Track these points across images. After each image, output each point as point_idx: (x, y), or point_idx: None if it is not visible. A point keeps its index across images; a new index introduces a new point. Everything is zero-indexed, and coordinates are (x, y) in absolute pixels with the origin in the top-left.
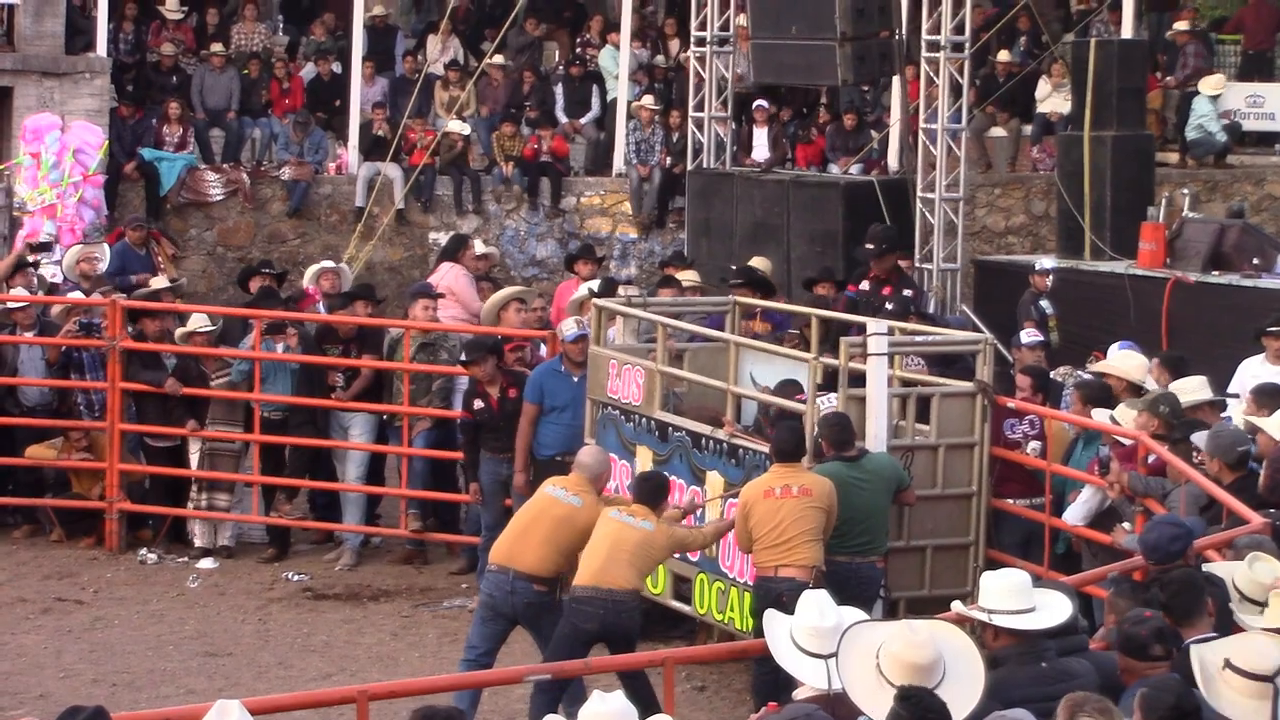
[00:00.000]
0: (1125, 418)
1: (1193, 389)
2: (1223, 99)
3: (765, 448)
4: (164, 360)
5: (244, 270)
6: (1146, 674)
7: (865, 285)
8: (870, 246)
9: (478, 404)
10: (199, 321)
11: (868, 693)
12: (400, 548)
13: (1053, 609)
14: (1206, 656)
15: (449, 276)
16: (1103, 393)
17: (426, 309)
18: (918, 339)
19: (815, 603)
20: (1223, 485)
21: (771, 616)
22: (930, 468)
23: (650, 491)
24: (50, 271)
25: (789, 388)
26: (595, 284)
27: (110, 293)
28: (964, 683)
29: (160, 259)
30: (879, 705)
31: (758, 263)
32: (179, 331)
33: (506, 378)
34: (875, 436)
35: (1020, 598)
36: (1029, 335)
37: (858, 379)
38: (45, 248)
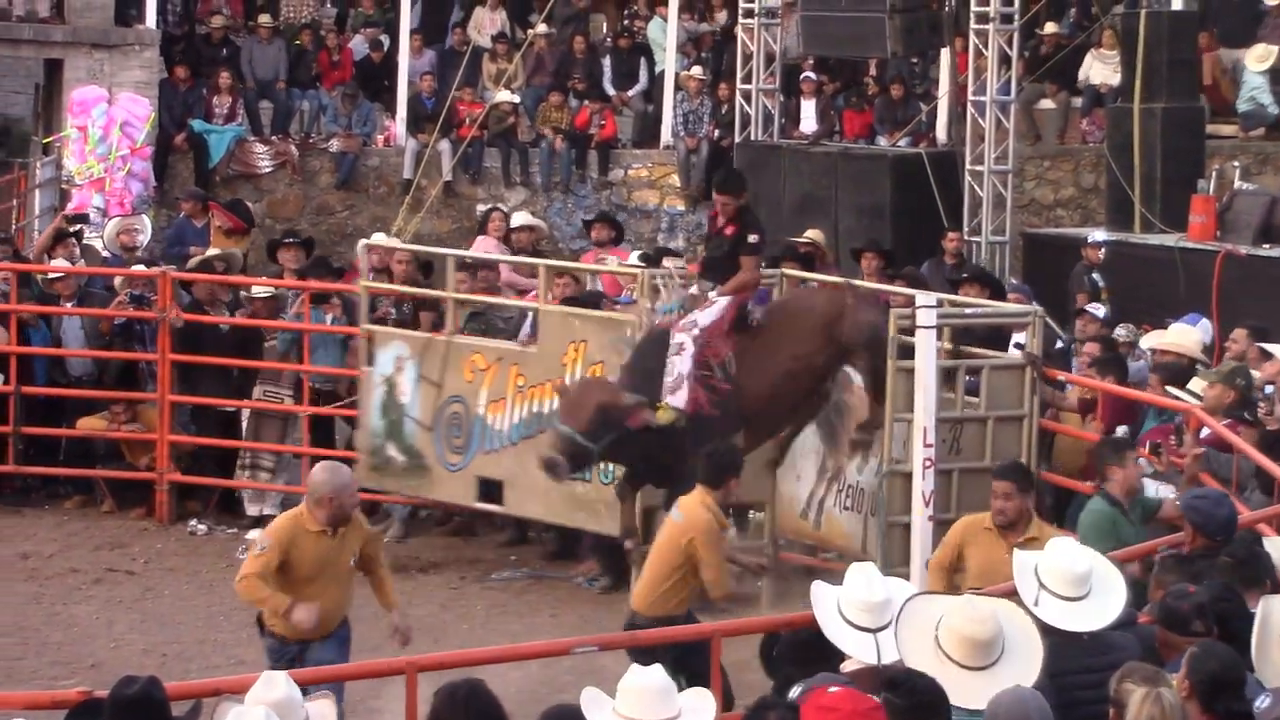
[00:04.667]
0: (1199, 389)
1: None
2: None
3: None
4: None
5: (270, 242)
6: (1185, 649)
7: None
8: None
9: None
10: (260, 288)
11: (924, 667)
12: (449, 520)
13: (1104, 606)
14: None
15: (478, 249)
16: (1184, 375)
17: (486, 279)
18: (967, 311)
19: (864, 576)
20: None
21: (819, 588)
22: (979, 440)
23: (707, 470)
24: (101, 245)
25: None
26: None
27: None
28: (1022, 661)
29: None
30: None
31: (812, 234)
32: (244, 294)
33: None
34: (924, 409)
35: (1075, 585)
36: (1094, 308)
37: (906, 351)
38: (82, 219)
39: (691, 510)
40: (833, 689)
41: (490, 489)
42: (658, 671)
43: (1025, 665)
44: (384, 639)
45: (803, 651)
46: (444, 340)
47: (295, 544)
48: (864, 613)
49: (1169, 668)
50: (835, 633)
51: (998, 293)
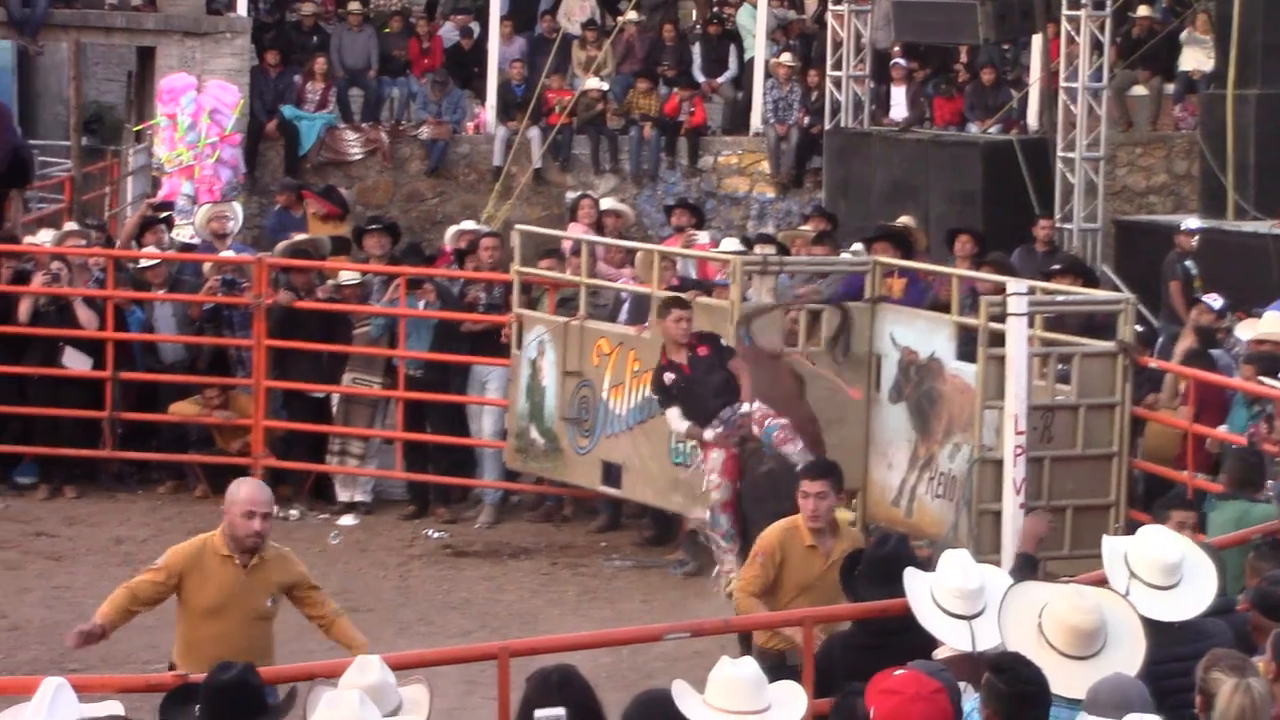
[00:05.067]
0: None
1: None
2: None
3: None
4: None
5: (356, 229)
6: None
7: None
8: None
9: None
10: (348, 275)
11: (1027, 653)
12: (540, 505)
13: (1195, 595)
14: None
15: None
16: (1277, 363)
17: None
18: (1059, 298)
19: (958, 563)
20: None
21: (913, 575)
22: (1070, 428)
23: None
24: (189, 232)
25: None
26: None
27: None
28: (1125, 652)
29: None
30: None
31: (905, 220)
32: (328, 283)
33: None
34: (1015, 397)
35: (1167, 574)
36: (1212, 299)
37: (997, 338)
38: (167, 207)
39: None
40: (898, 672)
41: (612, 472)
42: (749, 663)
43: (1128, 656)
44: (476, 625)
45: (883, 569)
46: (577, 325)
47: (199, 566)
48: (958, 600)
49: (1261, 651)
50: (929, 619)
51: (1091, 283)
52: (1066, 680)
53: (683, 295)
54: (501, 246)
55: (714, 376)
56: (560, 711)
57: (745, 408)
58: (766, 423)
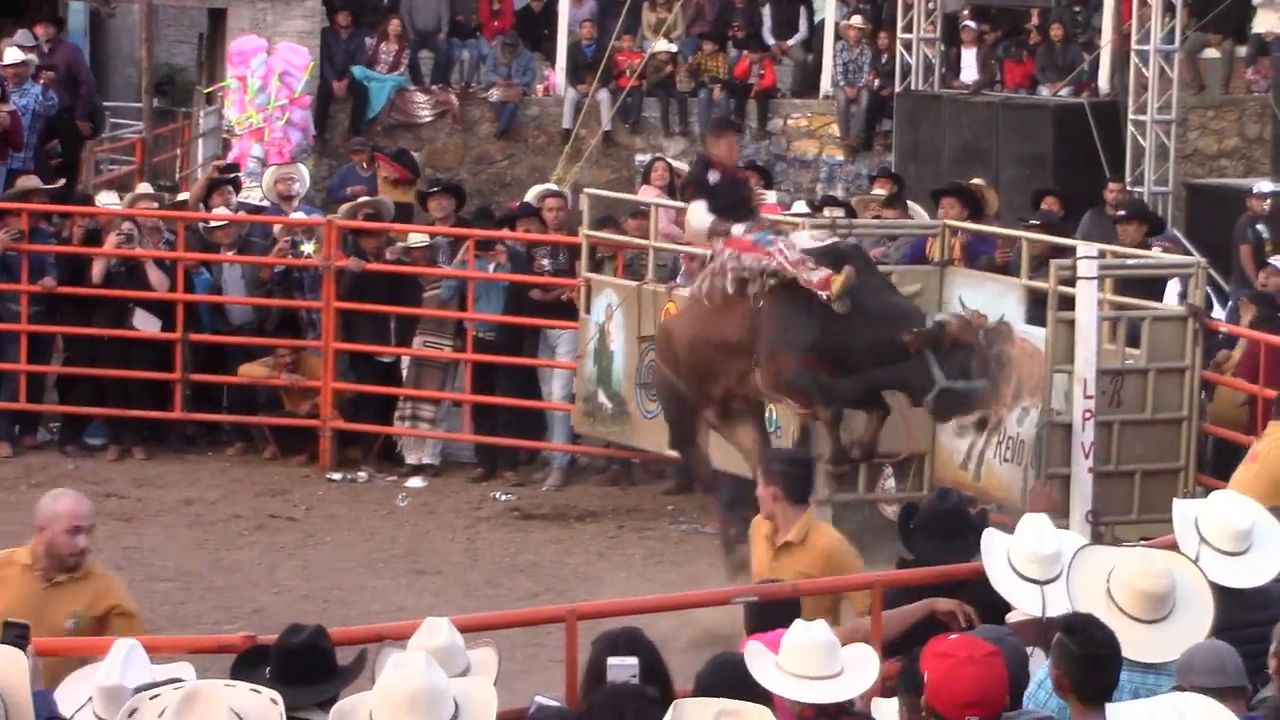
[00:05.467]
0: None
1: None
2: None
3: None
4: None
5: (419, 193)
6: None
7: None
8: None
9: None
10: (417, 237)
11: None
12: (607, 468)
13: (1266, 561)
14: None
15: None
16: None
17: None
18: (1129, 262)
19: (1036, 527)
20: None
21: (991, 536)
22: (1140, 392)
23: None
24: (258, 195)
25: None
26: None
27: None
28: (1193, 616)
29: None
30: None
31: (978, 183)
32: (397, 246)
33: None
34: (1084, 360)
35: (1238, 540)
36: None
37: (1067, 302)
38: (233, 169)
39: None
40: (952, 636)
41: None
42: (821, 627)
43: (1196, 620)
44: (543, 588)
45: (944, 524)
46: (647, 289)
47: None
48: (1033, 564)
49: None
50: (1002, 583)
51: (1156, 228)
52: (1134, 644)
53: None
54: (565, 208)
55: (743, 198)
56: (633, 661)
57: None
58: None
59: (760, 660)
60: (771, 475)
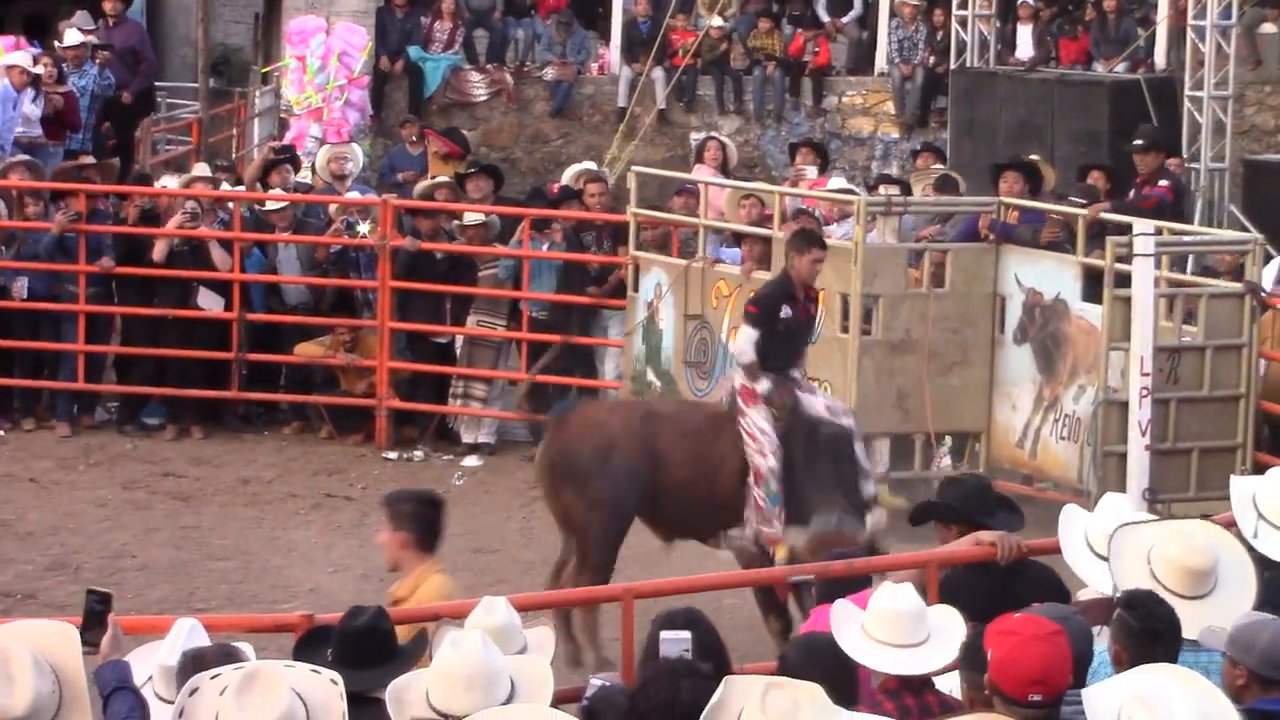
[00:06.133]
0: None
1: None
2: None
3: None
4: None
5: (457, 174)
6: None
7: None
8: (1138, 142)
9: (786, 311)
10: (471, 216)
11: None
12: None
13: None
14: None
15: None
16: None
17: (686, 205)
18: (1185, 239)
19: (1113, 506)
20: None
21: (1070, 513)
22: (1197, 369)
23: None
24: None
25: None
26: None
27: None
28: (1235, 590)
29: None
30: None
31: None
32: (454, 224)
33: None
34: (1141, 338)
35: None
36: None
37: (1124, 279)
38: (287, 149)
39: None
40: (1018, 615)
41: None
42: (908, 593)
43: (1239, 594)
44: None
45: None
46: (697, 267)
47: None
48: (1108, 543)
49: None
50: (1077, 560)
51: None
52: (1183, 621)
53: (819, 233)
54: (607, 191)
55: (803, 337)
56: (685, 635)
57: (795, 373)
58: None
59: (844, 625)
60: (401, 517)
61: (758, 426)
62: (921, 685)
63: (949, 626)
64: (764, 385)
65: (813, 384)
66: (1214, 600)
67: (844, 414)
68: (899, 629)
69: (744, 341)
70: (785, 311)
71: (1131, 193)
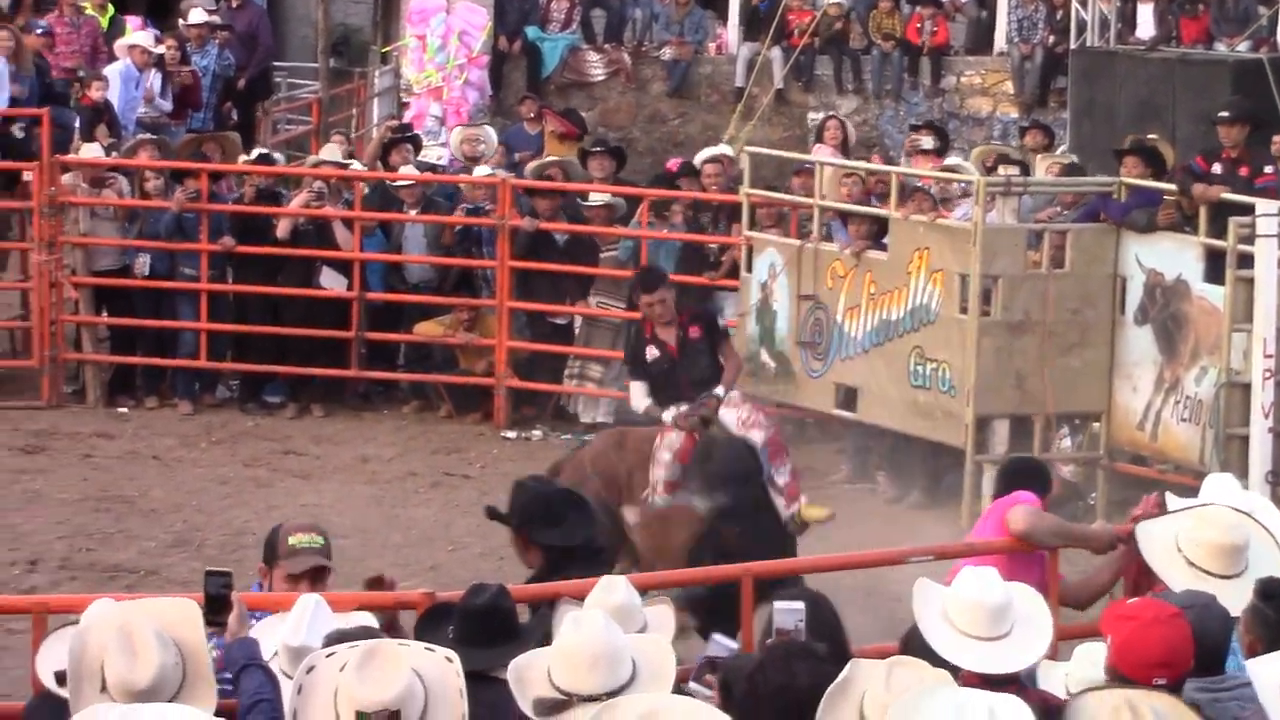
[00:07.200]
0: None
1: None
2: None
3: None
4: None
5: (581, 151)
6: None
7: (1217, 167)
8: (1223, 114)
9: (652, 353)
10: (596, 197)
11: (1180, 580)
12: None
13: None
14: None
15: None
16: None
17: (805, 185)
18: None
19: (1223, 486)
20: None
21: (1175, 500)
22: None
23: None
24: (436, 154)
25: None
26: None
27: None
28: (1266, 565)
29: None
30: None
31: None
32: (582, 204)
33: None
34: (1264, 319)
35: None
36: None
37: (1246, 260)
38: (405, 129)
39: None
40: (1132, 600)
41: (848, 396)
42: (993, 583)
43: (1270, 568)
44: None
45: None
46: (811, 247)
47: None
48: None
49: None
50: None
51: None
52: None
53: (660, 271)
54: (726, 173)
55: (700, 361)
56: (799, 605)
57: (719, 391)
58: (734, 408)
59: (927, 609)
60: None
61: (666, 450)
62: (1004, 682)
63: (1035, 623)
64: (668, 415)
65: (739, 396)
66: (1248, 578)
67: (759, 427)
68: (982, 623)
69: (632, 394)
70: (651, 353)
71: (1217, 166)
